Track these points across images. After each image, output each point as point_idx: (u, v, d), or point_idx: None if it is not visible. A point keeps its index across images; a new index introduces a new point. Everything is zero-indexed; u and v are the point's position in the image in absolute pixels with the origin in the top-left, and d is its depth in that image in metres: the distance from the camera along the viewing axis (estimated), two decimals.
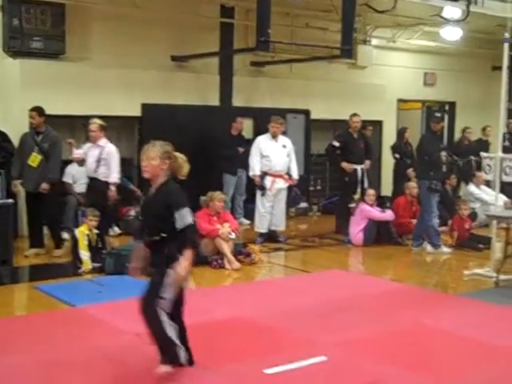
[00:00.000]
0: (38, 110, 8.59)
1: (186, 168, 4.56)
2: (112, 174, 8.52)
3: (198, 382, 4.51)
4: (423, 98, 15.39)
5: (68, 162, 9.70)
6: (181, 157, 4.57)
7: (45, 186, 8.37)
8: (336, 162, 10.76)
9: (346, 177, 10.43)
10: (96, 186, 8.52)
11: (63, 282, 7.31)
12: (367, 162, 10.62)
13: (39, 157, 8.42)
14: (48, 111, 9.02)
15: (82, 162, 8.68)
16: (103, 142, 8.56)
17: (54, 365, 4.74)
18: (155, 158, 4.36)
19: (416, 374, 4.72)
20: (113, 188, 8.52)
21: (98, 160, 8.48)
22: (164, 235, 4.29)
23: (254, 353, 5.09)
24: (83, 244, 7.82)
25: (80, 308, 6.28)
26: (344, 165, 10.39)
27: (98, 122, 8.64)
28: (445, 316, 6.14)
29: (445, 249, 9.23)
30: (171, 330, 4.33)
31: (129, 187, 10.69)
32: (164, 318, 4.28)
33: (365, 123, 11.80)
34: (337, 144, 10.55)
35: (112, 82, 10.54)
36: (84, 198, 9.17)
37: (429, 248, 9.21)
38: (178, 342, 4.37)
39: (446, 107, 15.66)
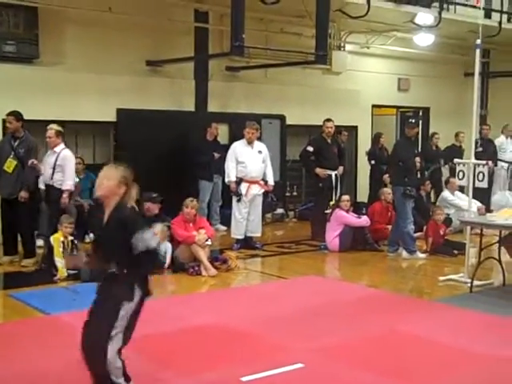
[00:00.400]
0: (16, 115, 8.46)
1: (134, 195, 4.22)
2: (66, 181, 8.34)
3: None
4: (397, 104, 15.52)
5: None
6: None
7: (23, 194, 8.19)
8: (310, 168, 10.78)
9: (320, 183, 10.46)
10: (51, 193, 8.36)
11: (38, 290, 7.23)
12: (340, 168, 10.67)
13: (14, 162, 8.27)
14: None
15: None
16: (59, 148, 8.40)
17: (28, 375, 4.69)
18: (114, 179, 4.11)
19: (392, 380, 4.74)
20: (65, 195, 8.33)
21: (54, 167, 8.32)
22: (122, 266, 4.02)
23: (231, 360, 5.07)
24: (58, 251, 7.73)
25: (55, 316, 6.22)
26: (318, 170, 10.42)
27: (55, 127, 8.47)
28: (420, 322, 6.19)
29: (420, 255, 9.30)
30: (119, 377, 4.02)
31: None
32: (113, 360, 3.96)
33: (340, 128, 11.88)
34: (310, 149, 10.56)
35: (87, 86, 10.47)
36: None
37: (404, 254, 9.27)
38: None
39: (420, 113, 15.81)
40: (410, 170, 9.23)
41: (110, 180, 4.11)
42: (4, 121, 9.46)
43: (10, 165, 8.28)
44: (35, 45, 10.00)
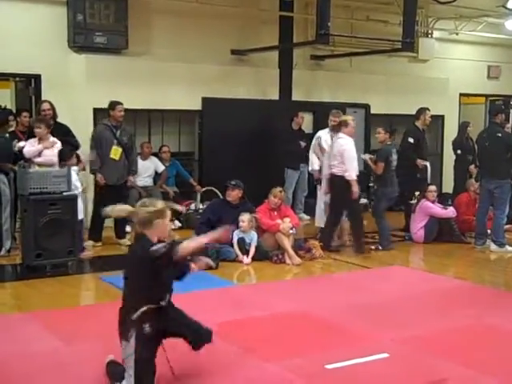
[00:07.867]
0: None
1: None
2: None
3: (259, 375, 4.54)
4: (487, 92, 15.05)
5: None
6: None
7: (132, 178, 9.01)
8: (411, 159, 10.35)
9: (417, 173, 10.16)
10: None
11: None
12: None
13: (120, 150, 8.79)
14: None
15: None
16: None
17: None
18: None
19: (478, 372, 4.62)
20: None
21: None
22: None
23: (315, 347, 5.08)
24: None
25: None
26: (418, 161, 10.12)
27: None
28: (508, 315, 6.02)
29: (509, 248, 8.97)
30: None
31: (189, 180, 10.88)
32: None
33: None
34: (411, 141, 10.27)
35: (173, 75, 10.66)
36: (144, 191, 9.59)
37: (492, 246, 8.99)
38: None
39: (511, 101, 15.25)
40: None
41: None
42: (95, 110, 9.80)
43: (117, 152, 8.77)
44: (124, 36, 10.23)
